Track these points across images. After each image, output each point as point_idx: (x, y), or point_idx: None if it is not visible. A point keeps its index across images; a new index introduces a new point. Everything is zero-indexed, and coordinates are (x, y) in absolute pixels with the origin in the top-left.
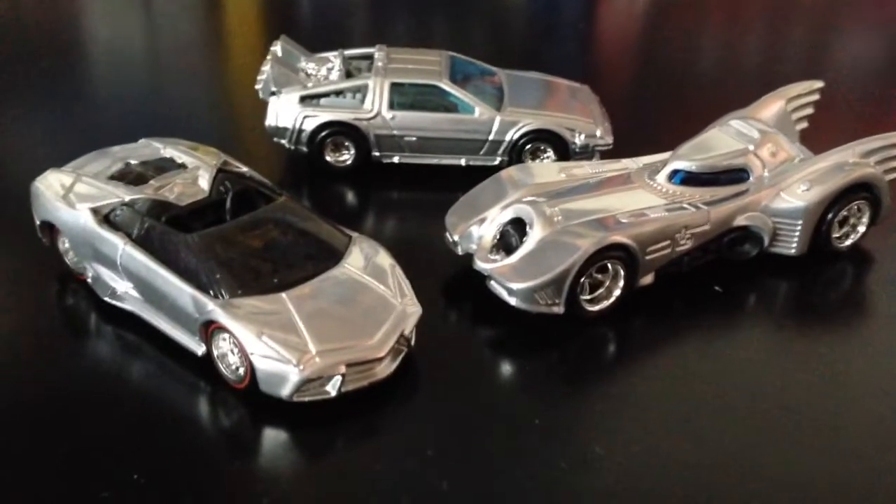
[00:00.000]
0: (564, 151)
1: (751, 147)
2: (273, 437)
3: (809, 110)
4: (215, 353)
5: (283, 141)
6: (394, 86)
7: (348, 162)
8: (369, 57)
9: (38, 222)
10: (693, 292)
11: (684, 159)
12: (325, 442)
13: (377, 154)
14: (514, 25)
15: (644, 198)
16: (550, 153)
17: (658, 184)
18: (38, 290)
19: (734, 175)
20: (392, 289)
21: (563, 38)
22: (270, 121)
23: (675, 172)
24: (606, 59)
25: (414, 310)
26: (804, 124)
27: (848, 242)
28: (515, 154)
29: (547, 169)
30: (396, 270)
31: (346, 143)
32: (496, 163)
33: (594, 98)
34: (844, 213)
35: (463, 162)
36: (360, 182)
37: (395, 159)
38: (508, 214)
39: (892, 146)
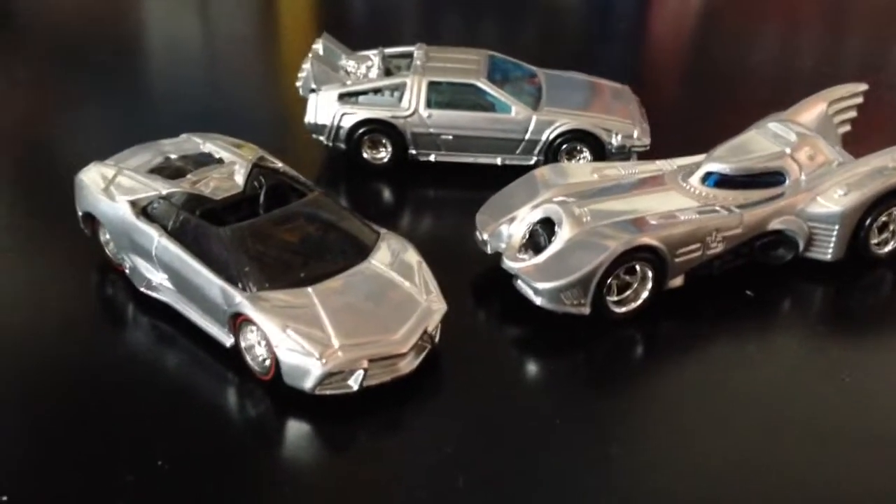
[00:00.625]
0: (601, 152)
1: (787, 150)
2: (297, 429)
3: (852, 113)
4: (243, 344)
5: (322, 138)
6: (431, 84)
7: (385, 160)
8: (409, 55)
9: (80, 213)
10: (724, 296)
11: (719, 161)
12: (347, 435)
13: (414, 152)
14: (565, 25)
15: (676, 200)
16: (587, 153)
17: (691, 186)
18: (79, 280)
19: (770, 178)
20: (418, 285)
21: (614, 39)
22: (309, 118)
23: (708, 175)
24: (658, 61)
25: (438, 307)
26: (847, 127)
27: (888, 249)
28: (552, 154)
29: (579, 169)
30: (423, 267)
31: (384, 141)
32: (532, 162)
33: (634, 99)
34: (884, 218)
35: (499, 161)
36: (397, 180)
37: (432, 157)
38: (538, 214)
39: None
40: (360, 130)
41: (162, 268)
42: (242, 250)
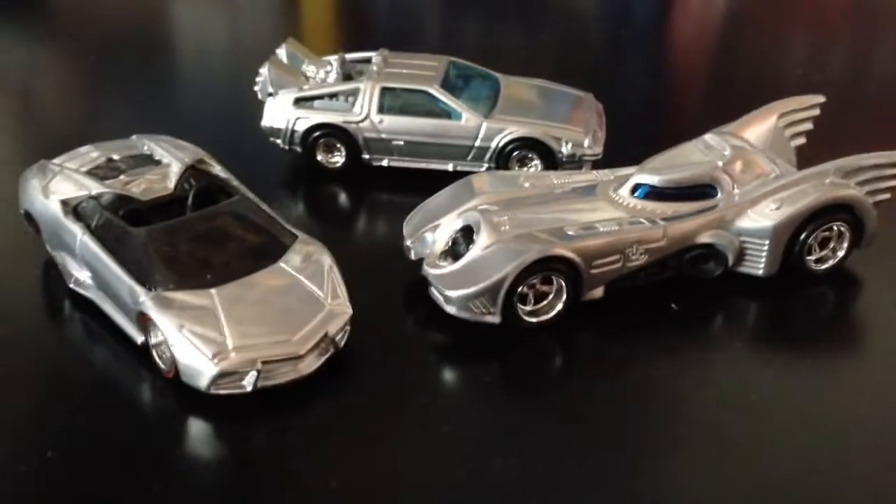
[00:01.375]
0: (552, 160)
1: (720, 163)
2: (196, 427)
3: (807, 126)
4: (151, 342)
5: (279, 141)
6: (384, 90)
7: (339, 164)
8: (370, 61)
9: (22, 211)
10: (649, 309)
11: (648, 173)
12: (243, 434)
13: (367, 157)
14: (583, 32)
15: (602, 211)
16: (537, 161)
17: (621, 197)
18: (23, 276)
19: (700, 191)
20: (324, 290)
21: (631, 46)
22: (266, 121)
23: (638, 186)
24: (678, 67)
25: (342, 311)
26: (801, 140)
27: (827, 266)
28: (502, 161)
29: (513, 177)
30: (333, 272)
31: (338, 146)
32: (483, 168)
33: (595, 107)
34: (825, 234)
35: (450, 167)
36: (354, 183)
37: (385, 162)
38: (460, 222)
39: (879, 166)
40: (315, 134)
41: (85, 265)
42: (153, 251)
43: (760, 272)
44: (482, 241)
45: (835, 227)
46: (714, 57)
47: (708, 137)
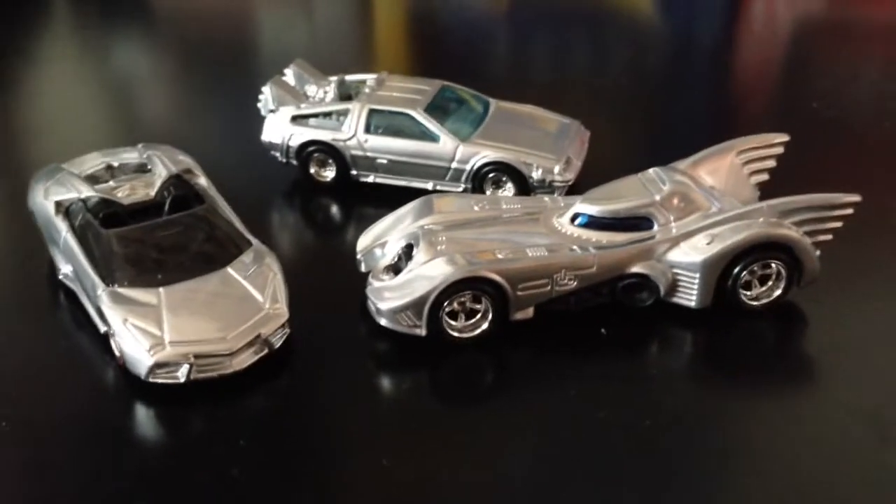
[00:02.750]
0: (524, 184)
1: (657, 197)
2: (140, 409)
3: (769, 163)
4: (110, 331)
5: (277, 154)
6: (372, 111)
7: (329, 178)
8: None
9: (30, 209)
10: (576, 332)
11: (588, 203)
12: (180, 421)
13: (354, 173)
14: (647, 49)
15: (539, 237)
16: (510, 185)
17: (561, 225)
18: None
19: (637, 222)
20: (265, 294)
21: (692, 63)
22: (265, 136)
23: (577, 215)
24: (739, 89)
25: (278, 314)
26: (764, 176)
27: (762, 302)
28: (478, 182)
29: (463, 199)
30: (276, 279)
31: (329, 161)
32: (460, 189)
33: (579, 136)
34: (765, 272)
35: (430, 186)
36: (345, 197)
37: (371, 179)
38: (404, 240)
39: (815, 208)
40: (309, 150)
41: (67, 260)
42: (116, 251)
43: (693, 304)
44: (419, 258)
45: (773, 265)
46: (776, 74)
47: (652, 171)
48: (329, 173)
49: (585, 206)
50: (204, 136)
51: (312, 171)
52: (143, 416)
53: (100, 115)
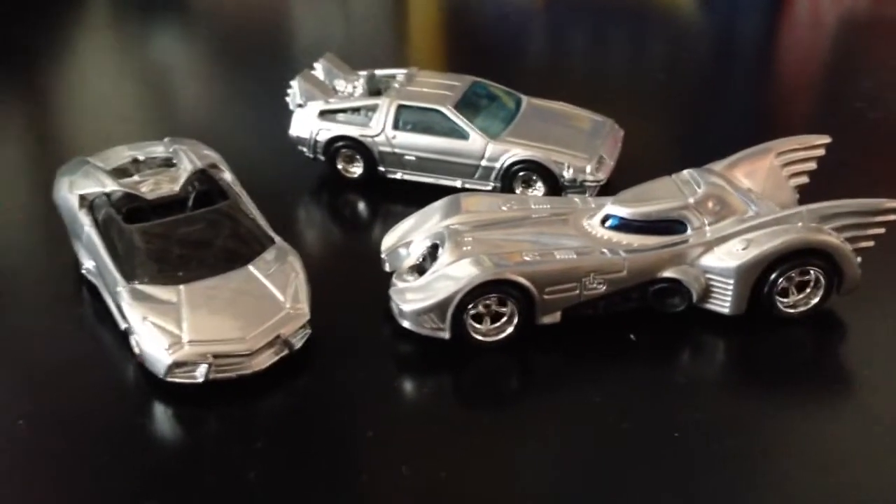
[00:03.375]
0: (554, 184)
1: (691, 199)
2: (159, 410)
3: (810, 165)
4: (129, 329)
5: (305, 149)
6: (401, 107)
7: (357, 174)
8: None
9: (55, 203)
10: (606, 338)
11: (619, 205)
12: (197, 421)
13: (382, 169)
14: (687, 45)
15: (568, 239)
16: (540, 184)
17: (591, 227)
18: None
19: (670, 225)
20: (286, 294)
21: (733, 61)
22: (293, 131)
23: (608, 217)
24: (780, 88)
25: (300, 315)
26: (803, 179)
27: (799, 310)
28: (507, 181)
29: (491, 199)
30: (299, 278)
31: (357, 157)
32: (489, 188)
33: (612, 134)
34: (803, 278)
35: (459, 184)
36: (373, 193)
37: (398, 175)
38: (429, 239)
39: (857, 213)
40: (336, 145)
41: (89, 255)
42: (137, 247)
43: (727, 311)
44: (444, 258)
45: (811, 272)
46: (819, 73)
47: (686, 173)
48: (357, 169)
49: (616, 208)
50: (235, 130)
51: (340, 166)
52: (161, 415)
53: (133, 108)
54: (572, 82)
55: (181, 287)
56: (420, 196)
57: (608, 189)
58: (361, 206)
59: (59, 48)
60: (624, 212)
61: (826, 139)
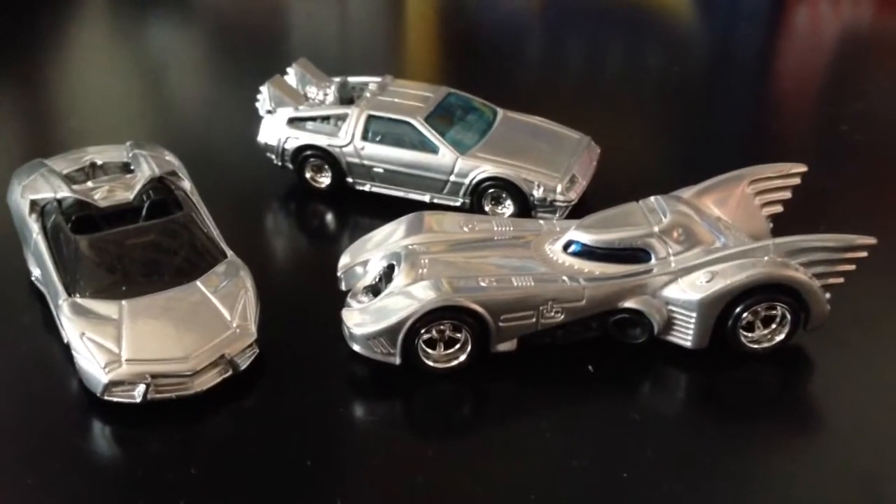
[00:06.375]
0: (524, 202)
1: (656, 228)
2: (96, 429)
3: (785, 194)
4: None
5: (272, 157)
6: (370, 117)
7: (325, 184)
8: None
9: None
10: (561, 367)
11: (582, 231)
12: (135, 442)
13: (350, 180)
14: (680, 58)
15: (528, 264)
16: (510, 202)
17: (553, 252)
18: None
19: (634, 254)
20: (233, 312)
21: (725, 76)
22: (261, 137)
23: (570, 243)
24: (769, 106)
25: (245, 334)
26: (777, 208)
27: (763, 346)
28: (476, 197)
29: (454, 219)
30: (248, 296)
31: (325, 167)
32: (458, 203)
33: (588, 152)
34: (771, 312)
35: (427, 198)
36: (341, 204)
37: (367, 187)
38: (386, 260)
39: (827, 249)
40: (304, 154)
41: (37, 263)
42: (82, 258)
43: (689, 344)
44: (399, 280)
45: (778, 308)
46: (810, 91)
47: (653, 199)
48: (325, 179)
49: (579, 234)
50: (215, 132)
51: (308, 176)
52: (98, 434)
53: (113, 106)
54: (562, 93)
55: (123, 302)
56: (389, 209)
57: (584, 209)
58: (329, 217)
59: (50, 42)
60: (586, 238)
61: (802, 168)
